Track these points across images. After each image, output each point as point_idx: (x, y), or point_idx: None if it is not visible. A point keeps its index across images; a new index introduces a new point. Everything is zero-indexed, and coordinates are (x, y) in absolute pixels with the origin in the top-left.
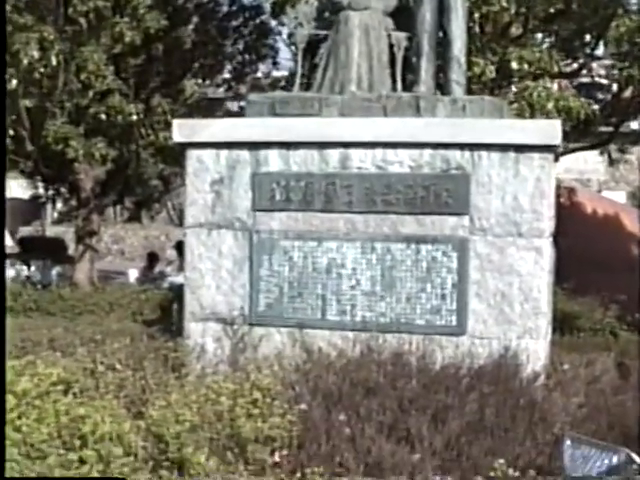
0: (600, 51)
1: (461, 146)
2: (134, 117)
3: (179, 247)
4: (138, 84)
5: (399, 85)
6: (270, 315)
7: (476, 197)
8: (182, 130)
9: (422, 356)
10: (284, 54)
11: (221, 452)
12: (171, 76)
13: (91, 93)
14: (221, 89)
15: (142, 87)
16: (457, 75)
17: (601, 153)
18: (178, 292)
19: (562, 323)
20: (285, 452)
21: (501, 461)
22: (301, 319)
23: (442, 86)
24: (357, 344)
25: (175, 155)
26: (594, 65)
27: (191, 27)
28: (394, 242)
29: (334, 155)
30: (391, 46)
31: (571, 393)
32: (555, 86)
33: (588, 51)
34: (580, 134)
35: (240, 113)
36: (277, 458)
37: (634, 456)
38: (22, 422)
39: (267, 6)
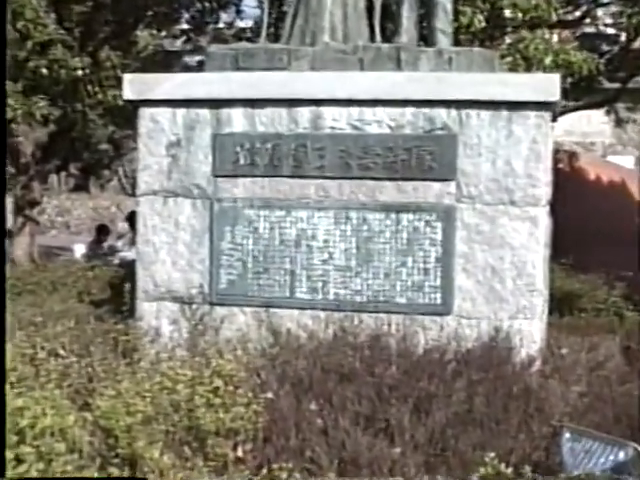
0: None
1: (447, 103)
2: (79, 72)
3: (131, 219)
4: (84, 34)
5: (377, 35)
6: (233, 293)
7: (464, 161)
8: (134, 86)
9: (403, 338)
10: (249, 1)
11: (178, 446)
12: (121, 26)
13: (30, 44)
14: (178, 41)
15: (88, 38)
16: (442, 23)
17: (607, 113)
18: (130, 269)
19: (561, 303)
20: (249, 446)
21: (492, 455)
22: (267, 298)
23: (426, 36)
24: (330, 325)
25: (126, 115)
26: (599, 12)
27: None
28: (371, 211)
29: (304, 114)
30: None
31: (571, 380)
32: (554, 37)
33: None
34: (583, 91)
35: (199, 67)
36: (240, 453)
37: None
38: None
39: None
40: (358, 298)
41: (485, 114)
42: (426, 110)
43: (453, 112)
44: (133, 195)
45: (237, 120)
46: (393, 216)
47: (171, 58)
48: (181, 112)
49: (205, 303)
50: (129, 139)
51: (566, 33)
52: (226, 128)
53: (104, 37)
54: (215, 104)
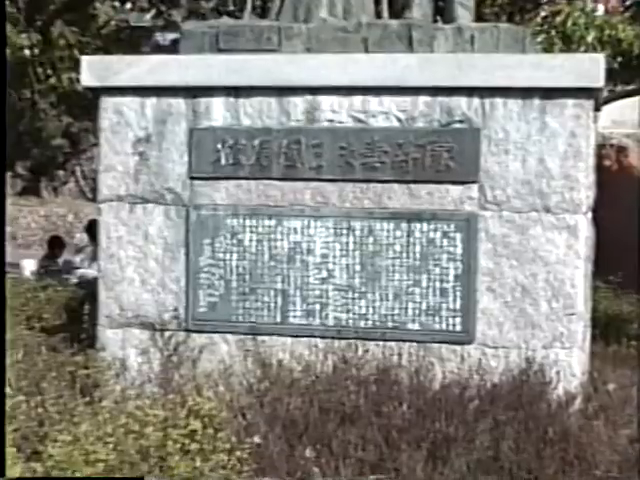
0: None
1: (468, 91)
2: (27, 52)
3: (91, 229)
4: (32, 7)
5: (385, 10)
6: (213, 318)
7: (488, 159)
8: (94, 70)
9: (416, 372)
10: None
11: None
12: None
13: None
14: (147, 15)
15: (37, 11)
16: None
17: None
18: (90, 289)
19: (606, 328)
20: None
21: None
22: (255, 323)
23: (442, 11)
24: (329, 356)
25: (85, 104)
26: None
27: None
28: (378, 220)
29: (298, 104)
30: None
31: (619, 422)
32: (599, 8)
33: None
34: (634, 73)
35: (173, 48)
36: None
37: None
38: None
39: None
40: (363, 323)
41: (514, 103)
42: (443, 99)
43: (475, 101)
44: (93, 201)
45: (218, 112)
46: (404, 226)
47: (138, 36)
48: (151, 102)
49: (180, 330)
50: (88, 133)
51: (613, 3)
52: (205, 121)
53: (56, 9)
54: (192, 92)
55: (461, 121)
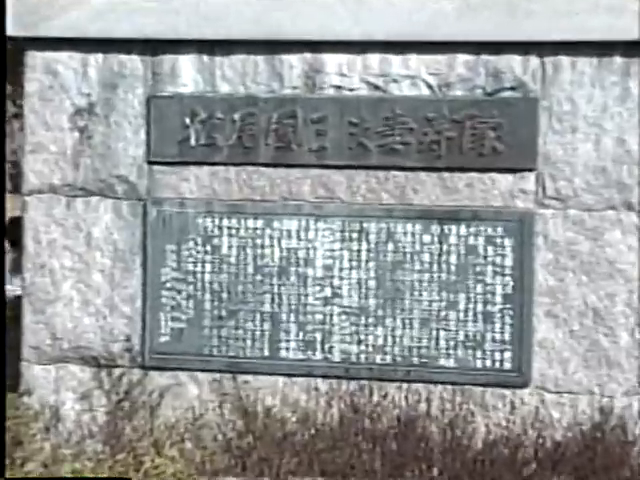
0: None
1: (523, 47)
2: None
3: (13, 231)
4: None
5: None
6: (180, 351)
7: (549, 139)
8: (19, 15)
9: (450, 424)
10: None
11: None
12: None
13: None
14: None
15: None
16: None
17: None
18: (12, 311)
19: None
20: None
21: None
22: (235, 358)
23: None
24: (334, 402)
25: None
26: None
27: None
28: (400, 221)
29: (295, 65)
30: None
31: None
32: None
33: None
34: None
35: None
36: None
37: None
38: None
39: None
40: (379, 359)
41: (585, 63)
42: (489, 58)
43: (533, 61)
44: (16, 192)
45: (187, 74)
46: (435, 229)
47: None
48: (96, 59)
49: (135, 366)
50: (7, 100)
51: None
52: (169, 87)
53: None
54: (151, 47)
55: (513, 88)
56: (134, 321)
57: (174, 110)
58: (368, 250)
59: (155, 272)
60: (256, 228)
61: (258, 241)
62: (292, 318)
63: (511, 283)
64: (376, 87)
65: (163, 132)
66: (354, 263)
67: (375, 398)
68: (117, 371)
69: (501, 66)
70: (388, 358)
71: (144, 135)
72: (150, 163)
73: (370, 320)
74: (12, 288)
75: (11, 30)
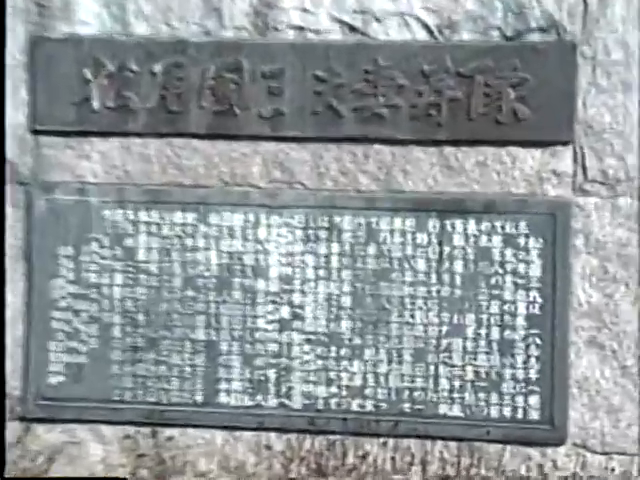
0: None
1: None
2: None
3: None
4: None
5: None
6: (77, 396)
7: (593, 101)
8: None
9: None
10: None
11: None
12: None
13: None
14: None
15: None
16: None
17: None
18: None
19: None
20: None
21: None
22: (156, 405)
23: None
24: (294, 466)
25: None
26: None
27: None
28: (386, 214)
29: None
30: None
31: None
32: None
33: None
34: None
35: None
36: None
37: None
38: None
39: None
40: (356, 405)
41: None
42: None
43: None
44: None
45: (86, 7)
46: (433, 225)
47: None
48: None
49: (13, 418)
50: None
51: None
52: (61, 25)
53: None
54: None
55: (542, 29)
56: (13, 354)
57: (69, 58)
58: (341, 254)
59: (43, 285)
60: (185, 224)
61: (188, 242)
62: (235, 349)
63: (539, 300)
64: (352, 28)
65: (53, 90)
66: (321, 272)
67: (350, 459)
68: None
69: (525, 1)
70: (368, 404)
71: (26, 94)
72: (35, 133)
73: (343, 351)
74: None
75: None
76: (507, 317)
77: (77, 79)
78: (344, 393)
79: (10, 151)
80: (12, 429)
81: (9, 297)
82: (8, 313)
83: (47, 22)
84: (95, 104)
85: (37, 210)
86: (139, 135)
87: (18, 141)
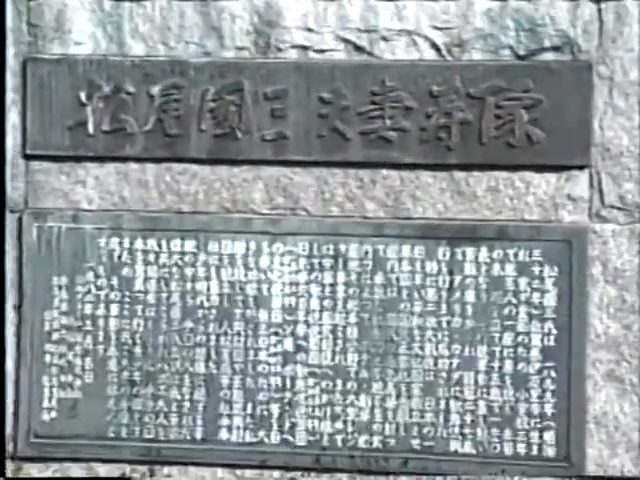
0: None
1: None
2: None
3: None
4: None
5: None
6: (71, 433)
7: (609, 123)
8: None
9: None
10: None
11: None
12: None
13: None
14: None
15: None
16: None
17: None
18: None
19: None
20: None
21: None
22: (153, 442)
23: None
24: None
25: None
26: None
27: None
28: (393, 241)
29: (239, 14)
30: None
31: None
32: None
33: None
34: None
35: None
36: None
37: None
38: None
39: None
40: (363, 442)
41: None
42: (520, 4)
43: (586, 7)
44: None
45: (81, 26)
46: (443, 253)
47: None
48: None
49: (4, 457)
50: None
51: None
52: (54, 45)
53: None
54: None
55: (556, 48)
56: (4, 390)
57: (63, 80)
58: (346, 284)
59: (36, 317)
60: (184, 252)
61: (187, 271)
62: (237, 383)
63: (554, 331)
64: (357, 48)
65: (46, 113)
66: (326, 303)
67: None
68: None
69: (539, 16)
70: (376, 441)
71: (18, 117)
72: (27, 158)
73: (350, 385)
74: None
75: None
76: (521, 349)
77: (71, 101)
78: (350, 429)
79: (5, 180)
80: (11, 468)
81: (3, 331)
82: None
83: (40, 42)
84: (90, 128)
85: (29, 238)
86: (136, 160)
87: (9, 166)
